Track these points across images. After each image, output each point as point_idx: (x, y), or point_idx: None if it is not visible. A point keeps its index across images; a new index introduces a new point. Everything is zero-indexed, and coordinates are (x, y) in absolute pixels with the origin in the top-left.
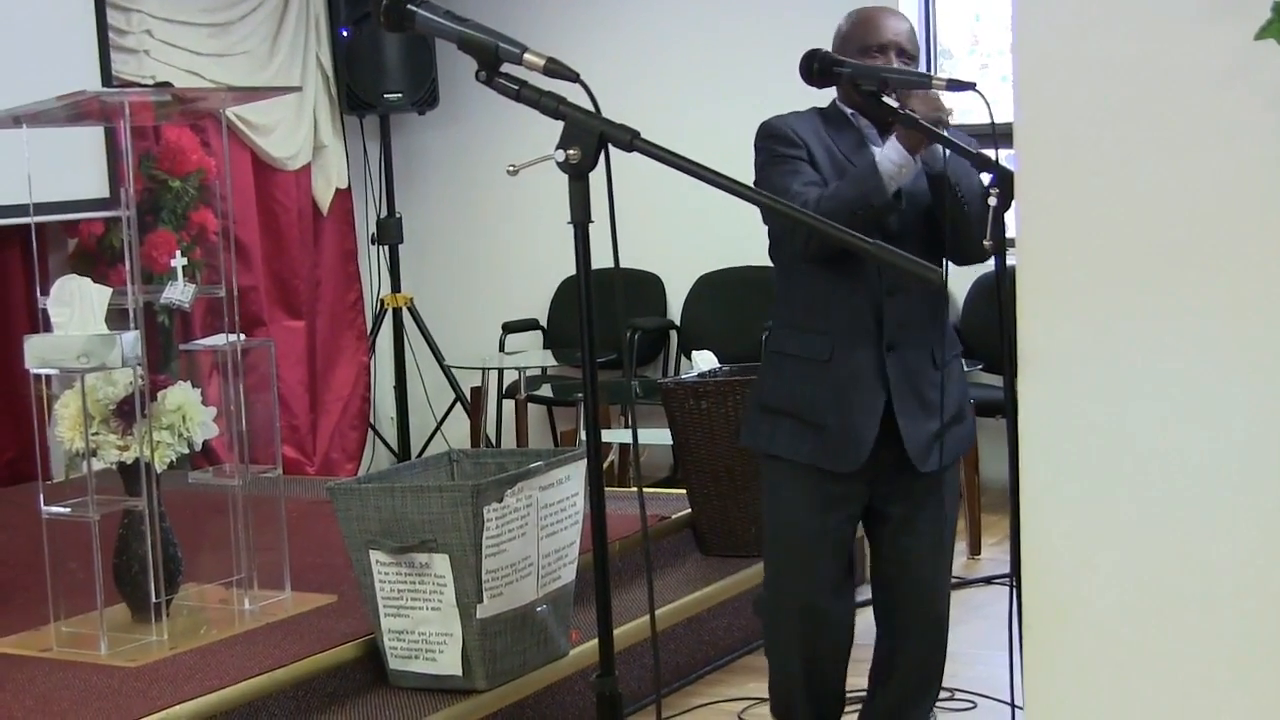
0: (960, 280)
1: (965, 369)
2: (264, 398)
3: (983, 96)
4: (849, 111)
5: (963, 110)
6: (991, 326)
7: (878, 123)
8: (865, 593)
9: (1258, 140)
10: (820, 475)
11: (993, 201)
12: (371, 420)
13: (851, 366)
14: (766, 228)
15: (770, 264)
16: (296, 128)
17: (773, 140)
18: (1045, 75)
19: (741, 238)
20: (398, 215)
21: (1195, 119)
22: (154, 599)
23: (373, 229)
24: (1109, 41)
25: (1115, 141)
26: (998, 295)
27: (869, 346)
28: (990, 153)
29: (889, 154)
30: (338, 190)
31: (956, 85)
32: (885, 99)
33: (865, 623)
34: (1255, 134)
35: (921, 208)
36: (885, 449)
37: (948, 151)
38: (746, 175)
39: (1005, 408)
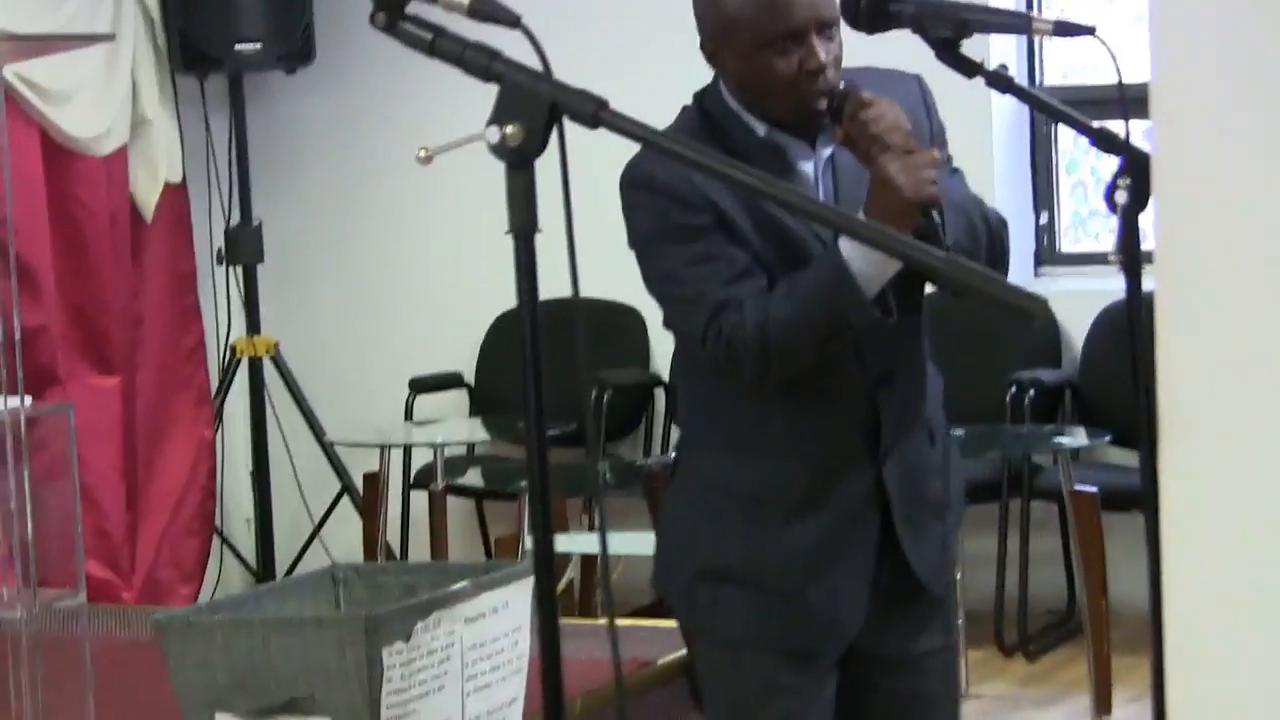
0: (1075, 311)
1: (1087, 441)
2: (60, 489)
3: (1105, 45)
4: (756, 125)
5: (1077, 66)
6: (1121, 380)
7: (810, 126)
8: None
9: None
10: (789, 657)
11: (1121, 198)
12: (218, 523)
13: (837, 505)
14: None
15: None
16: (106, 94)
17: (665, 200)
18: (1196, 11)
19: None
20: (256, 222)
21: None
22: None
23: (219, 242)
24: None
25: None
26: (1130, 336)
27: (860, 468)
28: (1117, 126)
29: (829, 270)
30: (168, 185)
31: (1067, 29)
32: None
33: None
34: None
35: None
36: (879, 576)
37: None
38: None
39: (1143, 497)
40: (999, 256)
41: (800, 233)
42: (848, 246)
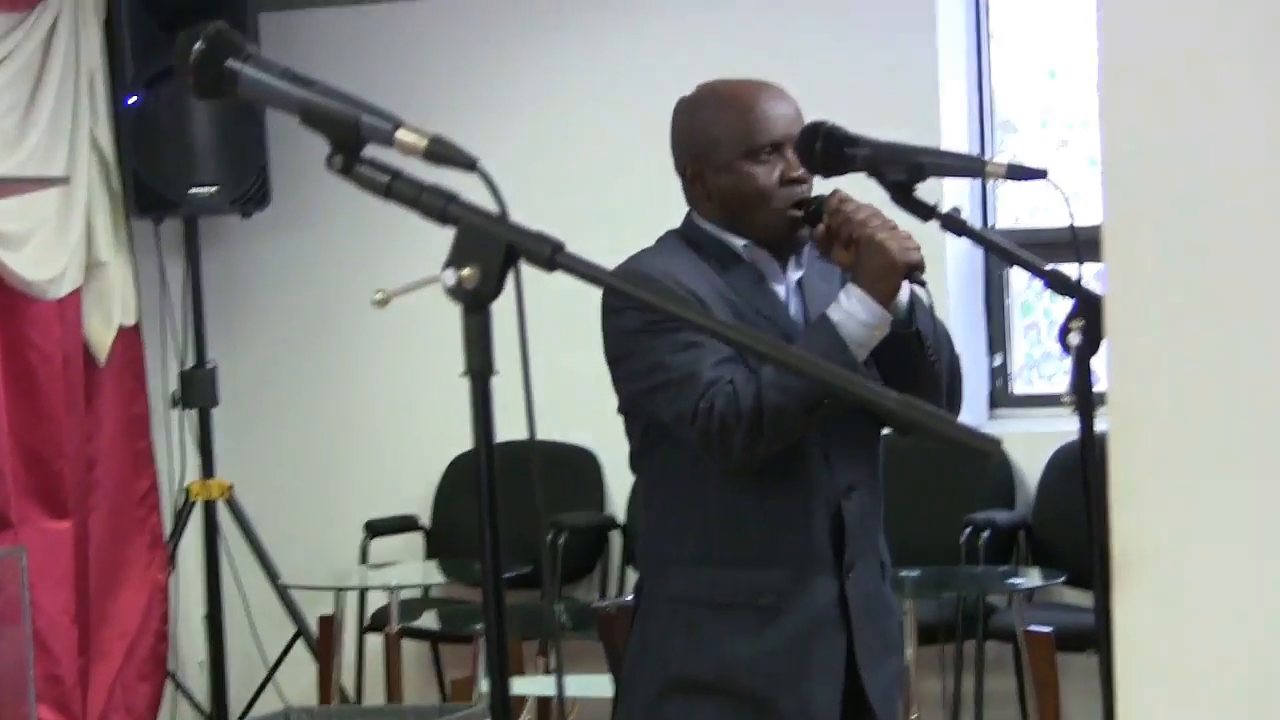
0: (1029, 453)
1: (1042, 581)
2: (12, 633)
3: (1058, 188)
4: (734, 240)
5: (1030, 209)
6: (1076, 521)
7: (787, 240)
8: None
9: None
10: None
11: (1074, 340)
12: (171, 667)
13: (809, 609)
14: (626, 420)
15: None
16: (61, 237)
17: None
18: (1146, 155)
19: None
20: (210, 366)
21: None
22: None
23: (174, 386)
24: (1236, 106)
25: (1252, 250)
26: (1084, 477)
27: (825, 575)
28: (1070, 269)
29: (855, 311)
30: (122, 329)
31: (1020, 173)
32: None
33: None
34: None
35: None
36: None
37: (911, 288)
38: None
39: (1098, 638)
40: (957, 376)
41: (774, 336)
42: (838, 313)
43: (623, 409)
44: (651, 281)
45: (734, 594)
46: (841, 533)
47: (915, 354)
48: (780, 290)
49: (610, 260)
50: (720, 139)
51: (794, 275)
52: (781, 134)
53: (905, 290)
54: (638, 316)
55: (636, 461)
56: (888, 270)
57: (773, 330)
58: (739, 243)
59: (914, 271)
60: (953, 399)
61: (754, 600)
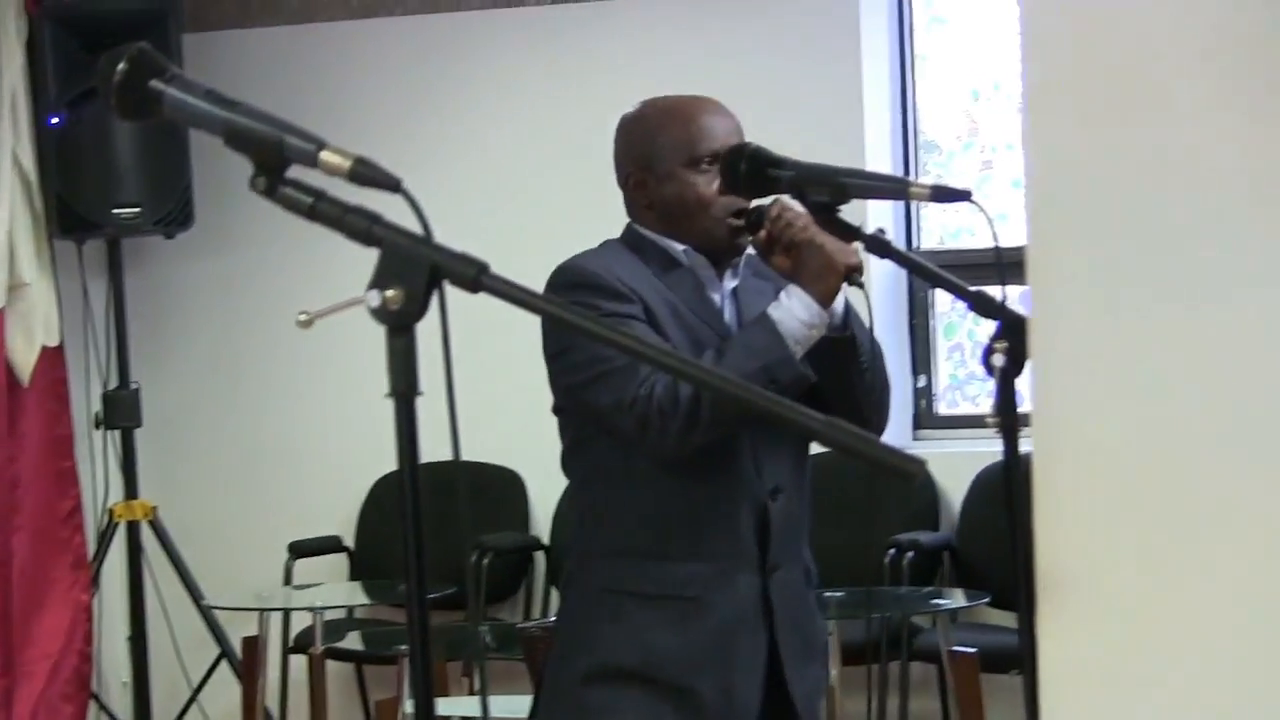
0: (953, 474)
1: (966, 602)
2: None
3: (982, 209)
4: (674, 245)
5: (955, 228)
6: (999, 542)
7: (721, 258)
8: None
9: None
10: None
11: (998, 361)
12: (95, 688)
13: (732, 603)
14: (560, 418)
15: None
16: None
17: (592, 293)
18: (1070, 177)
19: None
20: (133, 386)
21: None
22: None
23: (97, 407)
24: (1160, 127)
25: (1174, 272)
26: (1008, 498)
27: (749, 572)
28: (994, 290)
29: (794, 309)
30: (45, 350)
31: (944, 195)
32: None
33: None
34: None
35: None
36: (766, 692)
37: (845, 299)
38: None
39: (1022, 658)
40: (887, 389)
41: (711, 338)
42: (778, 311)
43: (559, 405)
44: (596, 279)
45: (660, 586)
46: (766, 533)
47: (849, 360)
48: (716, 298)
49: (536, 281)
50: (663, 149)
51: (730, 284)
52: (722, 144)
53: (841, 300)
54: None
55: (568, 459)
56: (827, 270)
57: (712, 333)
58: (679, 248)
59: (852, 274)
60: (882, 410)
61: (679, 592)
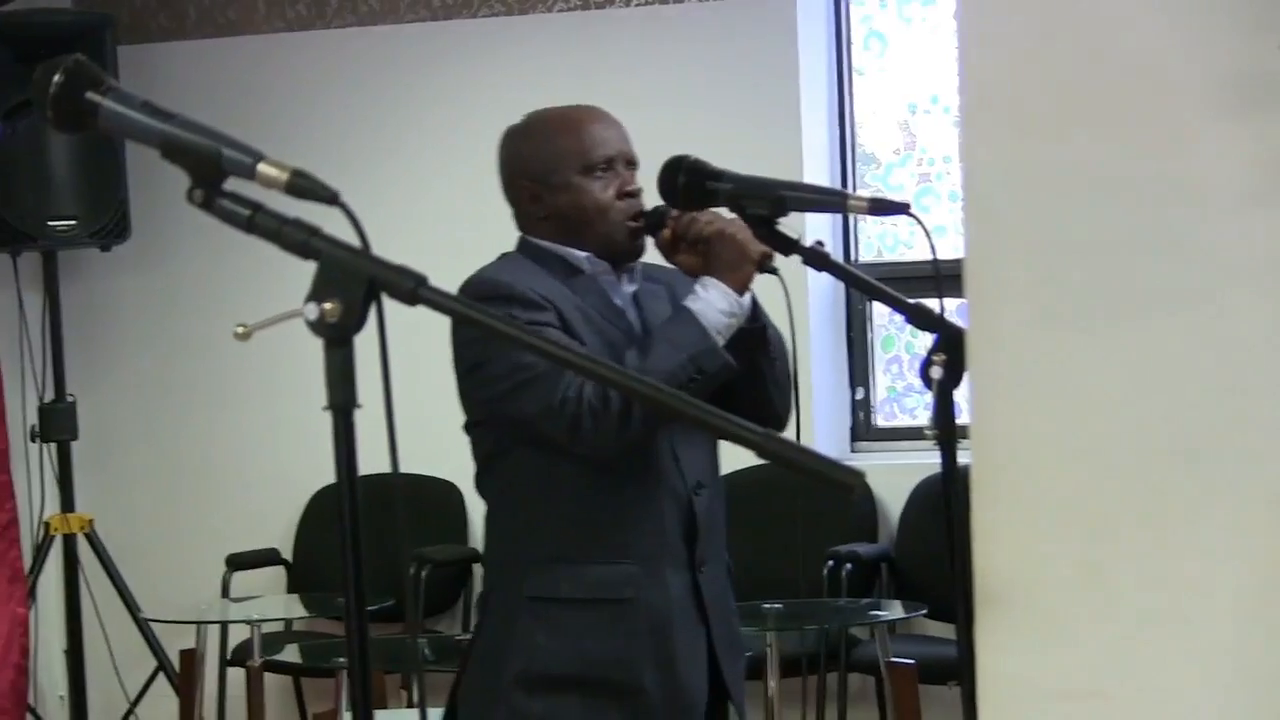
0: (891, 486)
1: (904, 614)
2: None
3: (920, 222)
4: (574, 253)
5: (893, 241)
6: (938, 554)
7: (624, 252)
8: None
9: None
10: None
11: (936, 373)
12: (32, 701)
13: (666, 601)
14: (473, 434)
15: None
16: None
17: (506, 304)
18: (1008, 190)
19: None
20: (70, 399)
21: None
22: None
23: (32, 420)
24: (1097, 141)
25: (1110, 285)
26: (946, 510)
27: (679, 569)
28: (932, 303)
29: (713, 300)
30: None
31: (882, 207)
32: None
33: None
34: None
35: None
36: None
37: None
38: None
39: (960, 669)
40: (790, 382)
41: (623, 341)
42: (696, 303)
43: (474, 419)
44: (510, 289)
45: (592, 589)
46: (693, 529)
47: (759, 350)
48: (619, 302)
49: None
50: (557, 159)
51: (629, 288)
52: (614, 150)
53: (748, 294)
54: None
55: (484, 474)
56: (741, 259)
57: (623, 336)
58: (580, 255)
59: (765, 261)
60: (788, 400)
61: (612, 595)
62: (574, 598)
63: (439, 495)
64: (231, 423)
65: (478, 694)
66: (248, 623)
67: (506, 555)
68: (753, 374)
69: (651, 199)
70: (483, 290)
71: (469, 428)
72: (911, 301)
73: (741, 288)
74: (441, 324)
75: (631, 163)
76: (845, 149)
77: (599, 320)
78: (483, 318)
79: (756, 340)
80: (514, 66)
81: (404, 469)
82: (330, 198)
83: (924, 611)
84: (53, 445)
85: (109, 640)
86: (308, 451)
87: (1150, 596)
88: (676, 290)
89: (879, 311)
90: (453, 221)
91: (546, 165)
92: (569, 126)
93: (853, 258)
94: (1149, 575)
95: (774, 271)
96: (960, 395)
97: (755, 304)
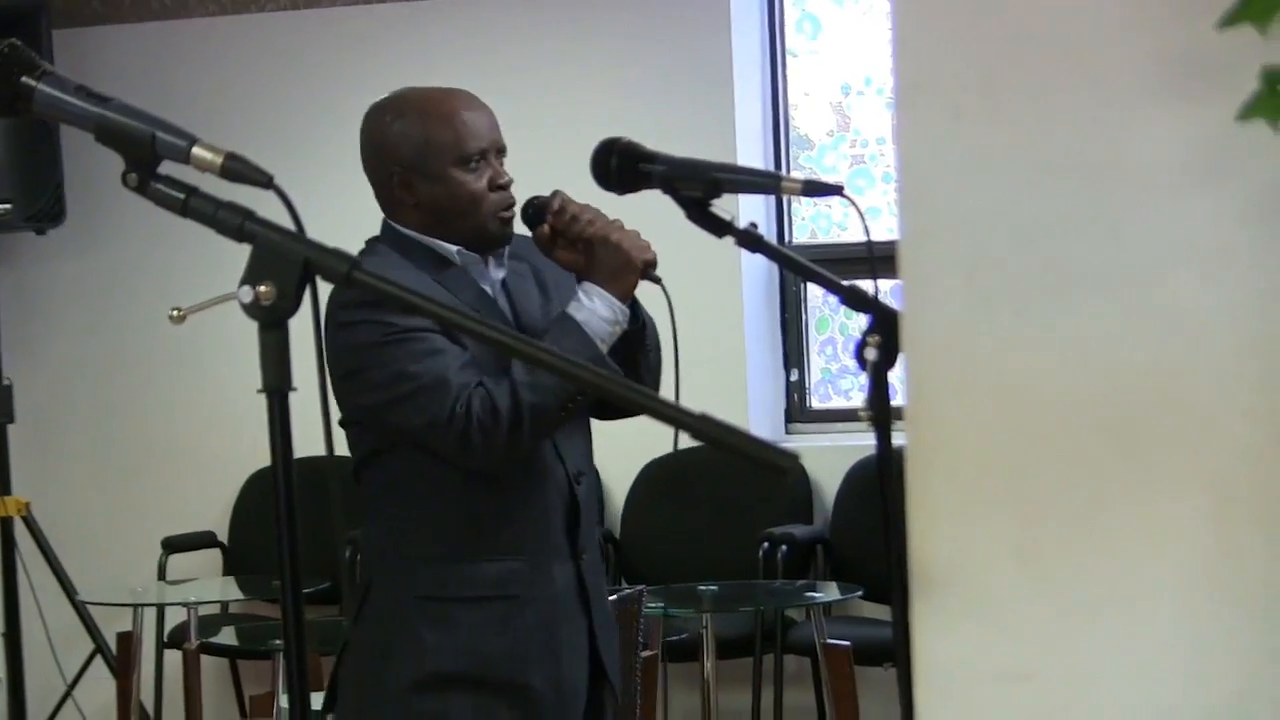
0: (826, 467)
1: (840, 595)
2: None
3: (854, 204)
4: (444, 245)
5: (826, 223)
6: (873, 535)
7: (493, 243)
8: None
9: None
10: None
11: (870, 355)
12: None
13: (551, 595)
14: (350, 431)
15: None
16: None
17: (385, 310)
18: (942, 172)
19: None
20: (6, 382)
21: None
22: None
23: None
24: (1031, 122)
25: (1045, 268)
26: (881, 491)
27: (562, 560)
28: (866, 284)
29: (597, 309)
30: None
31: (816, 189)
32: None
33: None
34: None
35: None
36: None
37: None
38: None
39: (896, 651)
40: (660, 362)
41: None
42: (581, 312)
43: (351, 420)
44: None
45: (479, 587)
46: (575, 518)
47: (637, 347)
48: (489, 290)
49: None
50: (430, 149)
51: (498, 274)
52: (487, 142)
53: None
54: (374, 329)
55: (363, 470)
56: (625, 268)
57: (505, 324)
58: (450, 248)
59: (649, 269)
60: (658, 384)
61: (500, 592)
62: (462, 596)
63: None
64: (167, 406)
65: (364, 690)
66: (184, 605)
67: (389, 551)
68: (632, 367)
69: (586, 181)
70: (358, 295)
71: (345, 424)
72: (845, 283)
73: (625, 296)
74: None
75: (501, 151)
76: (779, 131)
77: (474, 316)
78: (416, 300)
79: (636, 340)
80: (449, 47)
81: (338, 452)
82: (265, 181)
83: (859, 593)
84: None
85: (46, 623)
86: (243, 434)
87: (1086, 579)
88: (539, 269)
89: (813, 293)
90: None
91: (418, 153)
92: (442, 116)
93: (787, 240)
94: (1085, 558)
95: (657, 280)
96: (895, 376)
97: (636, 302)
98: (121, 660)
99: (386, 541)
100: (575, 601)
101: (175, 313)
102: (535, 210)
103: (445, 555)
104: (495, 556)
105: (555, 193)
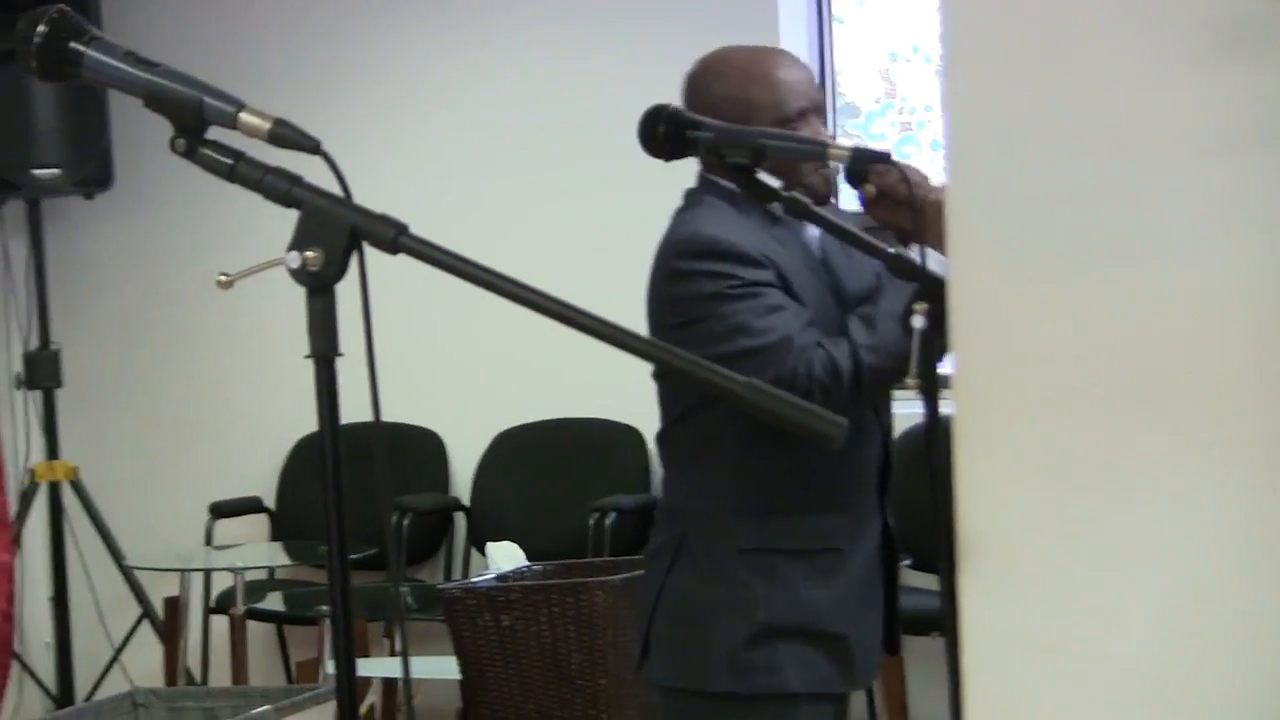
0: None
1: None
2: None
3: (901, 170)
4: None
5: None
6: (920, 504)
7: (814, 198)
8: None
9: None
10: (833, 703)
11: (918, 323)
12: (17, 648)
13: (866, 550)
14: (663, 385)
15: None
16: None
17: (728, 262)
18: (989, 138)
19: (555, 380)
20: (54, 347)
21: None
22: None
23: (17, 367)
24: (1080, 89)
25: (1092, 232)
26: (929, 460)
27: (875, 514)
28: (913, 252)
29: (902, 299)
30: None
31: (864, 155)
32: (762, 176)
33: None
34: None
35: None
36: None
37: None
38: (587, 292)
39: (944, 621)
40: None
41: (828, 296)
42: (895, 299)
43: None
44: (732, 247)
45: (807, 540)
46: (887, 474)
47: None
48: (812, 242)
49: (458, 243)
50: (751, 110)
51: (815, 234)
52: (808, 100)
53: None
54: (717, 281)
55: (677, 427)
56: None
57: (827, 290)
58: (778, 206)
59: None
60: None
61: (825, 545)
62: (791, 549)
63: (421, 444)
64: (215, 371)
65: (691, 642)
66: (231, 570)
67: (706, 507)
68: None
69: (631, 146)
70: (701, 247)
71: (660, 377)
72: (892, 250)
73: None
74: (425, 273)
75: (821, 110)
76: (826, 98)
77: (807, 275)
78: (465, 267)
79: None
80: (498, 16)
81: (386, 418)
82: (312, 147)
83: (908, 562)
84: (38, 393)
85: (94, 588)
86: (290, 400)
87: (1135, 546)
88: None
89: None
90: (435, 170)
91: (740, 114)
92: (762, 76)
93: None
94: (1134, 525)
95: None
96: (943, 345)
97: None
98: (168, 625)
99: (702, 498)
100: (880, 558)
101: (223, 278)
102: (857, 166)
103: (773, 508)
104: (820, 510)
105: (862, 154)
